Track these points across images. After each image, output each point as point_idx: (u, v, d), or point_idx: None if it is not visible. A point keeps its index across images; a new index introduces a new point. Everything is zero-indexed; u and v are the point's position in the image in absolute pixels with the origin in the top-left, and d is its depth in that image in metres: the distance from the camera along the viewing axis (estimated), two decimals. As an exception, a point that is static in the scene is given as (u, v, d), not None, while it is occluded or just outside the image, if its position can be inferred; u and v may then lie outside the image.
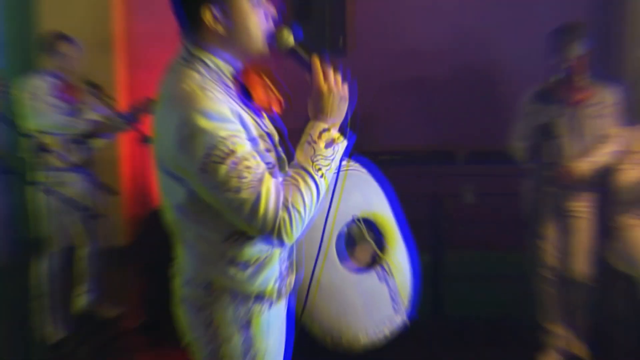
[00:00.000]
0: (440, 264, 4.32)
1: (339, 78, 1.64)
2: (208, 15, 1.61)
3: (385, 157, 4.53)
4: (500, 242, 4.43)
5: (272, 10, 1.69)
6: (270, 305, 1.77)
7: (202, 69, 1.62)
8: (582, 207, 3.72)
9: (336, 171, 1.70)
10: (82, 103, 4.26)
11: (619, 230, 3.70)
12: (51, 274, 4.18)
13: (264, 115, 1.75)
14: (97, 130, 4.12)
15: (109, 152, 5.00)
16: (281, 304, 1.83)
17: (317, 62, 1.64)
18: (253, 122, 1.64)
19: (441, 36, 5.25)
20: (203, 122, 1.48)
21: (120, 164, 5.68)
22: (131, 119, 4.22)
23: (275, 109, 1.77)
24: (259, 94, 1.72)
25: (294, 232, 1.56)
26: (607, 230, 3.80)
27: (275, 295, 1.77)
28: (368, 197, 2.18)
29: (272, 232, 1.52)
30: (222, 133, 1.49)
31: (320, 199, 1.62)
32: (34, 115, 4.06)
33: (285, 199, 1.53)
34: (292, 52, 1.68)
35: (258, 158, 1.55)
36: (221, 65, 1.66)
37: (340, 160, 1.70)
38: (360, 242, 2.18)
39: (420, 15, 5.28)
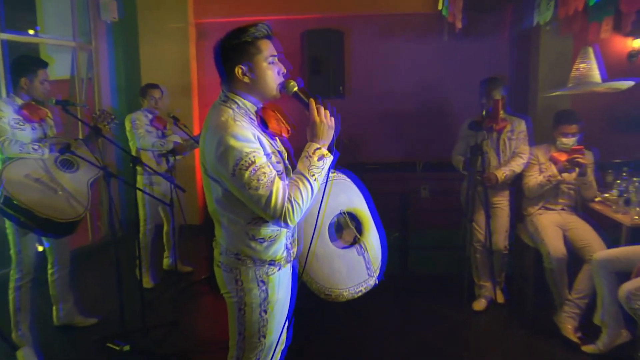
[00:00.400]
0: (406, 238, 4.26)
1: (328, 113, 1.65)
2: (239, 71, 1.67)
3: (370, 166, 4.53)
4: (446, 223, 4.37)
5: (283, 68, 1.72)
6: (279, 268, 1.77)
7: (234, 107, 1.67)
8: (502, 200, 3.67)
9: (326, 177, 1.72)
10: (167, 130, 4.24)
11: (527, 216, 3.63)
12: (148, 242, 4.21)
13: (277, 138, 1.77)
14: (177, 149, 4.10)
15: (186, 162, 4.95)
16: (287, 267, 1.83)
17: (312, 102, 1.66)
18: (268, 143, 1.68)
19: (409, 82, 5.21)
20: (233, 142, 1.55)
21: (196, 170, 5.65)
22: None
23: (284, 134, 1.79)
24: (273, 124, 1.73)
25: (296, 218, 1.60)
26: (519, 216, 3.74)
27: (283, 261, 1.79)
28: (350, 197, 2.14)
29: (280, 217, 1.57)
30: (246, 150, 1.56)
31: (314, 195, 1.65)
32: (136, 139, 4.06)
33: (289, 195, 1.58)
34: (295, 95, 1.70)
35: (271, 167, 1.60)
36: (247, 104, 1.70)
37: (329, 170, 1.72)
38: (345, 228, 2.14)
39: (395, 69, 5.23)
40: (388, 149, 5.31)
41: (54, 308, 3.45)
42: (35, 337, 3.14)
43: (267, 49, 1.66)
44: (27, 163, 2.84)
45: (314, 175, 1.62)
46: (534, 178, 3.49)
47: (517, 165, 3.52)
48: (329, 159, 1.65)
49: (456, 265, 3.87)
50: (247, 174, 1.55)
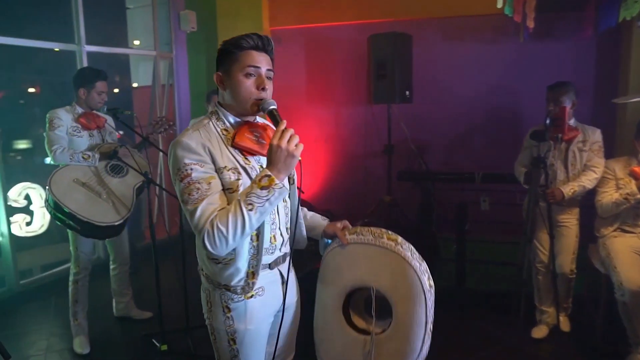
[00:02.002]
0: (463, 251, 3.88)
1: (294, 141, 1.41)
2: (216, 78, 1.57)
3: (433, 176, 4.21)
4: (508, 238, 3.92)
5: (265, 83, 1.52)
6: (242, 297, 1.57)
7: (213, 118, 1.56)
8: (570, 219, 3.19)
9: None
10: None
11: (599, 238, 3.12)
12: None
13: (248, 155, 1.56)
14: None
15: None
16: (258, 300, 1.60)
17: (280, 125, 1.43)
18: (231, 158, 1.50)
19: (477, 88, 4.79)
20: (176, 151, 1.46)
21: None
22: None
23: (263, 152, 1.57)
24: (246, 141, 1.53)
25: (218, 245, 1.40)
26: (591, 236, 3.23)
27: (238, 290, 1.56)
28: (379, 271, 1.73)
29: (200, 238, 1.41)
30: (186, 160, 1.44)
31: (247, 227, 1.40)
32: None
33: (214, 217, 1.40)
34: (270, 113, 1.50)
35: (212, 184, 1.45)
36: (226, 118, 1.56)
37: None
38: (365, 309, 1.81)
39: (462, 74, 4.83)
40: (449, 156, 4.92)
41: (113, 301, 3.60)
42: (90, 327, 3.29)
43: (247, 60, 1.51)
44: (74, 167, 2.95)
45: (251, 204, 1.39)
46: (609, 195, 2.99)
47: (588, 180, 3.04)
48: (278, 191, 1.40)
49: (517, 284, 3.44)
50: (181, 185, 1.45)
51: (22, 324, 3.64)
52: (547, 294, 3.25)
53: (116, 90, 5.82)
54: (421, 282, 1.65)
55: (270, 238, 1.60)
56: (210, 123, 1.55)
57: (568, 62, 4.49)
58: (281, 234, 1.64)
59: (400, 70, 4.67)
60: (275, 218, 1.62)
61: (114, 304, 3.60)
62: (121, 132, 3.60)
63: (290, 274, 1.73)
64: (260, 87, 1.51)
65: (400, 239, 1.71)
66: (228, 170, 1.49)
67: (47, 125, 3.00)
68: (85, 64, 4.32)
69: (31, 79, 4.53)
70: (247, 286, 1.57)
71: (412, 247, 1.70)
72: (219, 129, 1.54)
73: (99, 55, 4.55)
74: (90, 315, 3.33)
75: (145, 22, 5.30)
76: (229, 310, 1.57)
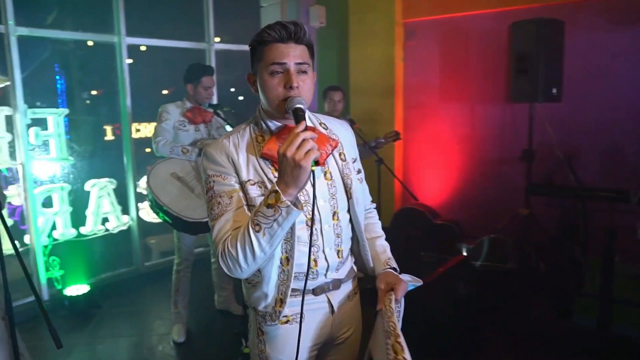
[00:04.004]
0: (610, 287, 3.13)
1: (304, 148, 1.12)
2: (250, 79, 1.39)
3: (582, 192, 3.47)
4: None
5: (292, 80, 1.26)
6: (271, 324, 1.39)
7: (252, 123, 1.40)
8: None
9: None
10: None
11: None
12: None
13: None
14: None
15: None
16: (289, 329, 1.38)
17: (296, 128, 1.16)
18: (257, 170, 1.32)
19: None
20: (203, 161, 1.37)
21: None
22: (375, 146, 3.88)
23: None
24: (276, 150, 1.28)
25: (231, 266, 1.23)
26: None
27: (267, 315, 1.38)
28: None
29: (217, 255, 1.26)
30: (209, 172, 1.33)
31: (258, 250, 1.20)
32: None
33: (227, 237, 1.24)
34: (293, 113, 1.24)
35: (229, 199, 1.29)
36: (264, 122, 1.38)
37: None
38: None
39: (627, 69, 3.90)
40: (600, 168, 4.02)
41: (215, 294, 3.67)
42: (192, 317, 3.39)
43: (270, 56, 1.28)
44: (175, 162, 3.01)
45: (258, 225, 1.17)
46: None
47: None
48: (285, 210, 1.15)
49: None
50: (206, 198, 1.34)
51: (141, 303, 3.93)
52: None
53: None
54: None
55: (310, 262, 1.34)
56: (248, 128, 1.39)
57: None
58: (326, 258, 1.39)
59: (546, 64, 3.96)
60: (317, 240, 1.38)
61: (215, 297, 3.68)
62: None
63: (347, 303, 1.51)
64: (288, 86, 1.27)
65: None
66: (253, 185, 1.30)
67: (157, 118, 3.13)
68: (213, 62, 4.50)
69: (167, 75, 4.89)
70: (275, 314, 1.37)
71: None
72: (254, 135, 1.36)
73: (226, 52, 4.72)
74: (193, 305, 3.44)
75: (277, 19, 5.36)
76: (262, 333, 1.42)
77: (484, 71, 4.75)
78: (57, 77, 4.59)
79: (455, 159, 5.08)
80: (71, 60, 4.50)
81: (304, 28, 1.30)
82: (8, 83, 3.49)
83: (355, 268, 1.57)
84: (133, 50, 4.15)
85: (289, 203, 1.15)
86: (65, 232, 3.81)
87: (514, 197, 4.34)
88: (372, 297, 1.57)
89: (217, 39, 4.67)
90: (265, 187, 1.30)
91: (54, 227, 3.78)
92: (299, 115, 1.22)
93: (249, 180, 1.30)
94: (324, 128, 1.46)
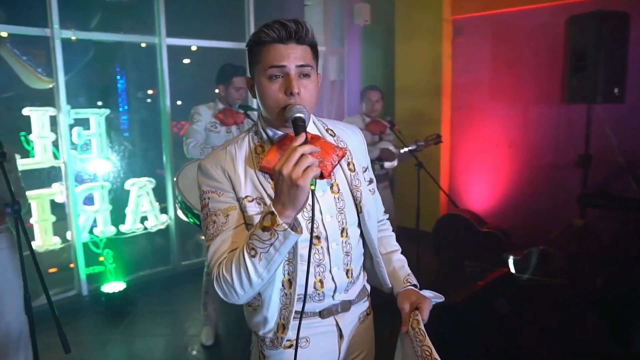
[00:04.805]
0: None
1: (302, 165, 1.00)
2: (248, 84, 1.28)
3: (621, 202, 3.14)
4: None
5: (290, 85, 1.14)
6: (272, 348, 1.30)
7: (252, 132, 1.28)
8: None
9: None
10: (381, 135, 3.90)
11: None
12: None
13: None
14: (383, 156, 3.71)
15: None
16: (306, 352, 1.29)
17: (295, 141, 1.04)
18: (255, 185, 1.20)
19: None
20: (198, 175, 1.25)
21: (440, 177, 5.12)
22: (415, 149, 3.71)
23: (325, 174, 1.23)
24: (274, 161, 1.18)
25: (227, 292, 1.13)
26: None
27: (267, 340, 1.29)
28: None
29: (212, 280, 1.15)
30: (204, 187, 1.22)
31: (252, 276, 1.09)
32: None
33: (222, 260, 1.14)
34: (293, 123, 1.11)
35: (225, 217, 1.18)
36: (264, 131, 1.27)
37: None
38: None
39: None
40: None
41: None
42: (223, 319, 3.37)
43: (268, 58, 1.15)
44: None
45: (254, 249, 1.07)
46: None
47: None
48: (281, 234, 1.04)
49: None
50: (202, 215, 1.22)
51: (175, 302, 3.95)
52: None
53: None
54: None
55: (316, 283, 1.26)
56: (247, 137, 1.27)
57: None
58: (333, 279, 1.28)
59: (606, 61, 3.64)
60: (323, 259, 1.26)
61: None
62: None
63: (359, 327, 1.39)
64: (289, 92, 1.14)
65: None
66: (251, 201, 1.19)
67: (189, 119, 3.12)
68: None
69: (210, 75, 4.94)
70: (277, 340, 1.28)
71: None
72: (253, 145, 1.25)
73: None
74: (224, 307, 3.40)
75: (321, 19, 5.27)
76: (264, 357, 1.32)
77: (538, 70, 4.45)
78: (118, 77, 4.74)
79: (505, 164, 4.79)
80: (127, 62, 4.66)
81: (306, 26, 1.16)
82: (53, 84, 3.60)
83: (368, 287, 1.44)
84: (183, 50, 4.16)
85: (286, 227, 1.04)
86: (105, 229, 3.89)
87: (568, 205, 4.03)
88: (385, 313, 1.43)
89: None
90: (265, 203, 1.19)
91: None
92: (298, 126, 1.09)
93: (246, 196, 1.19)
94: (331, 135, 1.33)
